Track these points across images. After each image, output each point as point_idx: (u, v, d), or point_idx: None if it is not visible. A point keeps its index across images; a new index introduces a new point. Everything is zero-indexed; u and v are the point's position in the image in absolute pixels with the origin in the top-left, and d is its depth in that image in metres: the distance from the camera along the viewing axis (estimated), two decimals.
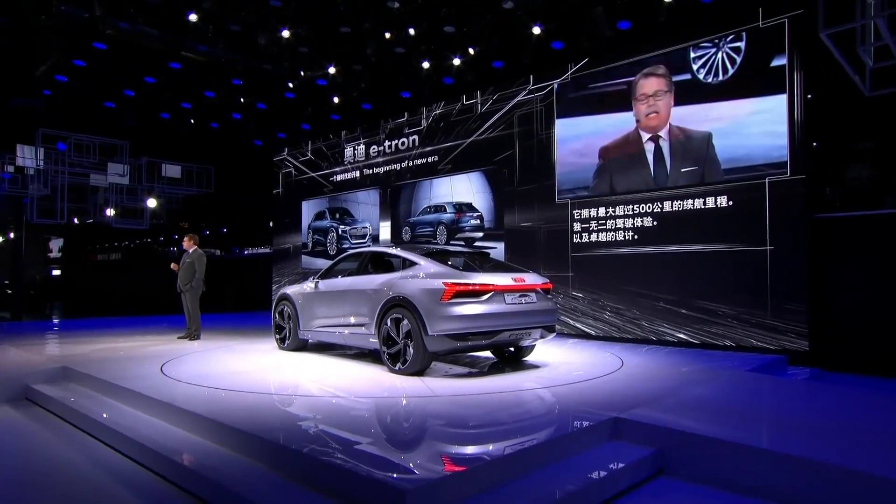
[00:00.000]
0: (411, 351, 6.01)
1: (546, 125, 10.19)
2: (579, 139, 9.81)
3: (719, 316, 8.06)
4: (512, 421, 4.44)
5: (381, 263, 7.13)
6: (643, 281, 8.88)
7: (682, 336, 8.43)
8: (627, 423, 4.16)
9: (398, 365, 6.16)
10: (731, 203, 8.02)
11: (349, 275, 7.34)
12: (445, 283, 5.85)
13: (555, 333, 6.58)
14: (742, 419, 4.29)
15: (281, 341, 8.32)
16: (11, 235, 17.81)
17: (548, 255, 10.09)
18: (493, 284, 5.95)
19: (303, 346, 8.16)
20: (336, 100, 13.73)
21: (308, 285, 7.87)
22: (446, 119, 11.97)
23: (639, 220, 9.00)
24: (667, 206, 8.67)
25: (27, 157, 14.88)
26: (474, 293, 5.87)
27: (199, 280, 9.20)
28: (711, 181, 8.26)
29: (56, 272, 36.10)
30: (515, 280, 6.17)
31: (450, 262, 6.39)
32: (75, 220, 26.91)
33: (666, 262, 8.62)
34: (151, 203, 17.44)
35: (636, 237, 9.00)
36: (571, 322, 9.79)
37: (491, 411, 4.62)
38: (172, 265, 9.66)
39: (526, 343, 6.57)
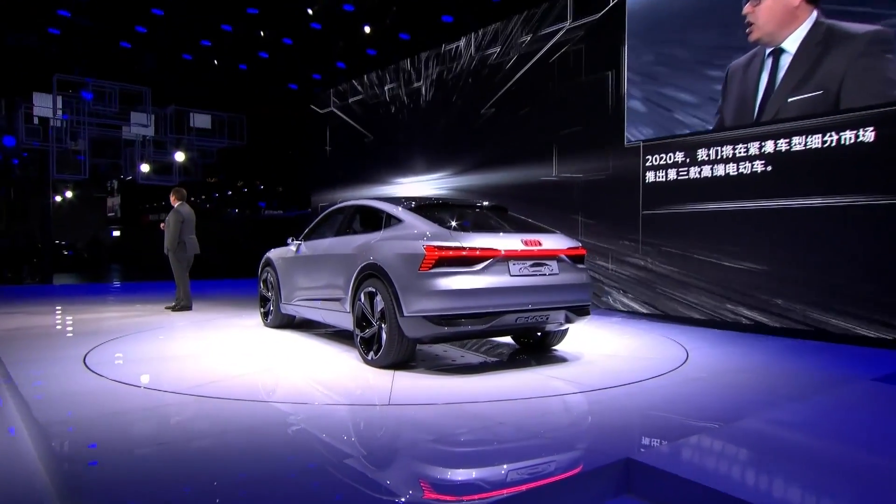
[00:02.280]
0: (385, 336, 4.88)
1: (614, 46, 8.55)
2: (665, 58, 8.11)
3: (844, 296, 6.28)
4: (472, 453, 3.22)
5: (369, 221, 5.95)
6: (735, 245, 7.20)
7: (784, 321, 6.73)
8: (644, 470, 2.83)
9: (371, 354, 5.06)
10: (874, 137, 6.09)
11: (335, 235, 6.28)
12: (426, 247, 4.63)
13: (587, 317, 5.20)
14: (852, 475, 2.84)
15: (264, 316, 7.46)
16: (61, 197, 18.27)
17: (612, 214, 8.59)
18: (491, 249, 4.66)
19: (288, 323, 7.24)
20: (368, 29, 12.57)
21: (290, 248, 6.91)
22: (492, 46, 10.55)
23: (732, 166, 7.27)
24: (769, 145, 6.89)
25: (45, 105, 14.83)
26: (465, 260, 4.61)
27: (172, 241, 8.52)
28: (862, 105, 6.14)
29: (116, 233, 37.96)
30: (526, 243, 4.83)
31: (444, 219, 5.15)
32: (121, 178, 27.77)
33: (770, 219, 6.87)
34: (179, 157, 17.16)
35: (730, 189, 7.26)
36: (632, 296, 8.29)
37: (467, 432, 3.42)
38: (161, 224, 9.10)
39: (551, 328, 5.26)
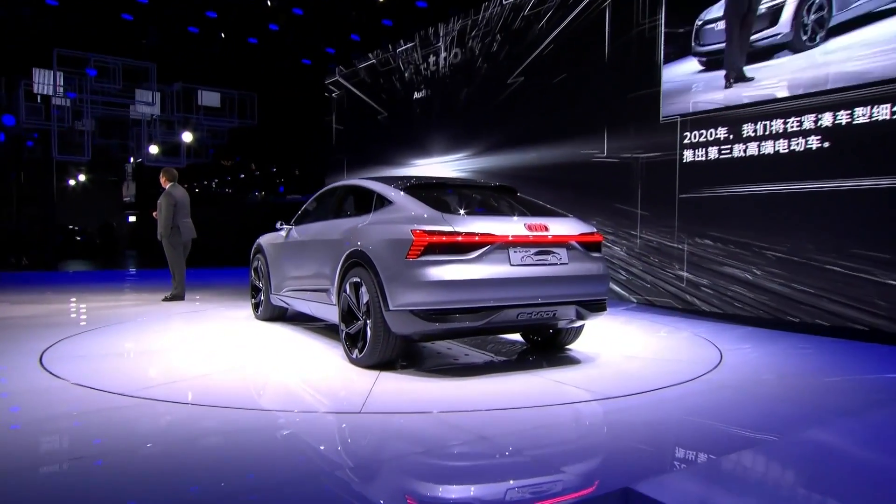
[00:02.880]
0: (369, 333, 4.51)
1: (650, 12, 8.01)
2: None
3: None
4: (453, 470, 2.83)
5: (360, 202, 5.56)
6: (781, 232, 6.62)
7: (835, 319, 6.15)
8: (645, 502, 2.40)
9: (355, 352, 4.69)
10: None
11: (326, 218, 5.92)
12: (414, 232, 4.23)
13: (603, 312, 4.75)
14: None
15: (255, 307, 7.17)
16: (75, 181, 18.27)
17: (644, 197, 8.07)
18: (488, 234, 4.24)
19: (280, 315, 6.93)
20: None
21: (281, 234, 6.58)
22: (516, 14, 10.07)
23: (782, 142, 6.67)
24: (827, 119, 6.29)
25: (45, 82, 14.75)
26: (458, 247, 4.20)
27: (165, 226, 8.30)
28: None
29: (132, 218, 38.29)
30: (530, 228, 4.39)
31: (440, 201, 4.75)
32: (130, 160, 27.96)
33: (821, 203, 6.28)
34: (187, 137, 17.01)
35: (776, 168, 6.67)
36: (666, 288, 7.77)
37: (459, 444, 3.03)
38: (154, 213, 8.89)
39: (561, 325, 4.82)
